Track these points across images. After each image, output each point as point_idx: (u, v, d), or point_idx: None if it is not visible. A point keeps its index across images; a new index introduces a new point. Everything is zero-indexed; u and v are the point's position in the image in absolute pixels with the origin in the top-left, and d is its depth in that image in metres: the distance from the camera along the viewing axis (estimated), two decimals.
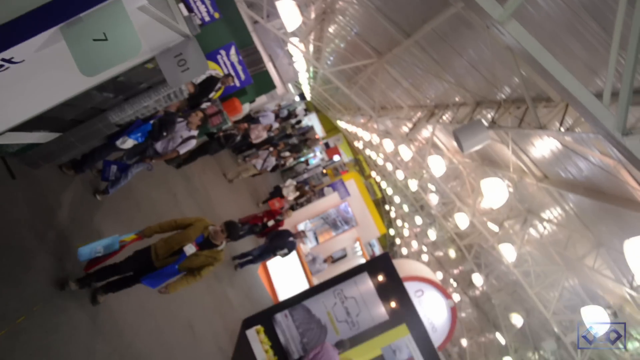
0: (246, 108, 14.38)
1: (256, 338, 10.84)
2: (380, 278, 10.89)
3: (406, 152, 18.26)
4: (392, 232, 52.66)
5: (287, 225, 14.80)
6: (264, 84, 12.44)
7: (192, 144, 8.07)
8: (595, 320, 11.23)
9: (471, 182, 16.24)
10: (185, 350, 8.24)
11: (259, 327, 10.97)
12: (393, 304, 10.79)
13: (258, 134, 15.85)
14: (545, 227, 13.92)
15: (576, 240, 12.08)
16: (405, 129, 19.31)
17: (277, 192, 17.33)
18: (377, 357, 10.73)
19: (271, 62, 15.82)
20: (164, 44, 4.63)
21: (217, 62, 11.45)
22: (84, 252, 5.88)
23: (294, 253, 14.86)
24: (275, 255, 12.11)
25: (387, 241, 50.34)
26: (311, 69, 28.16)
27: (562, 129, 6.79)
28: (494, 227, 16.80)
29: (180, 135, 7.87)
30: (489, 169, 13.72)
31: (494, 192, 11.06)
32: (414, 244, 42.63)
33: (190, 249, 5.97)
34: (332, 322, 10.90)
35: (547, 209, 13.11)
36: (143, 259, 6.13)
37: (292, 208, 19.14)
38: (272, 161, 15.98)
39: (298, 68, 22.07)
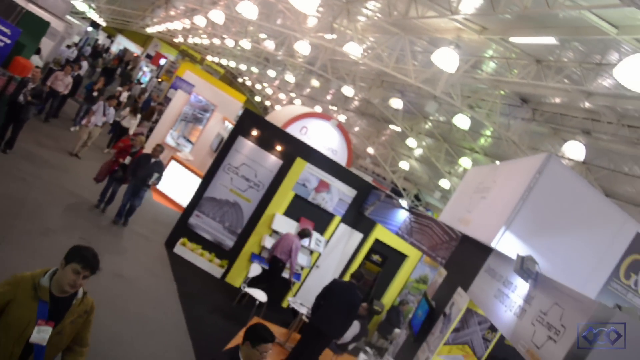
0: (37, 61, 13.16)
1: (185, 250, 10.98)
2: (255, 133, 11.03)
3: (217, 16, 17.69)
4: (258, 98, 52.51)
5: (155, 145, 14.38)
6: (36, 27, 11.33)
7: None
8: (446, 60, 12.07)
9: (286, 7, 16.15)
10: (128, 296, 8.25)
11: (182, 239, 11.06)
12: (279, 148, 11.07)
13: (64, 83, 14.68)
14: (367, 8, 14.30)
15: (396, 0, 12.53)
16: None
17: (116, 129, 16.27)
18: (294, 197, 11.20)
19: (30, 2, 14.28)
20: None
21: None
22: None
23: (172, 164, 14.67)
24: (149, 186, 10.77)
25: (258, 108, 50.33)
26: None
27: None
28: (330, 36, 17.09)
29: None
30: None
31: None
32: (282, 96, 42.93)
33: (42, 333, 3.57)
34: (239, 195, 11.12)
35: None
36: None
37: (151, 130, 18.48)
38: (112, 111, 14.58)
39: None
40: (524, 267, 4.64)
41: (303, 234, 10.51)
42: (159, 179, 10.74)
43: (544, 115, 15.81)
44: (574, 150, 13.86)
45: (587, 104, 13.34)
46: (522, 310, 4.63)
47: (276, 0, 15.36)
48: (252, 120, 11.39)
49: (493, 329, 6.50)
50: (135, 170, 10.57)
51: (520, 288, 4.93)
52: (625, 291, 6.06)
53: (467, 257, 7.29)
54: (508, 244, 5.28)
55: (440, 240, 8.54)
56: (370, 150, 36.60)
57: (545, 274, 4.67)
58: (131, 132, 15.72)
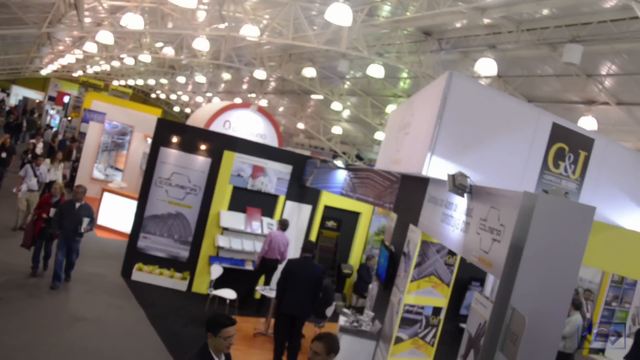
0: None
1: (143, 274, 10.80)
2: (175, 139, 10.84)
3: (106, 36, 17.12)
4: (177, 108, 51.58)
5: (88, 187, 13.76)
6: None
7: None
8: (339, 15, 12.13)
9: (171, 9, 15.82)
10: (97, 336, 8.05)
11: (136, 265, 10.86)
12: (203, 147, 10.92)
13: None
14: None
15: None
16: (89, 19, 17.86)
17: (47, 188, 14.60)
18: (233, 190, 11.11)
19: None
20: None
21: None
22: None
23: (105, 196, 14.29)
24: (81, 235, 9.46)
25: (179, 118, 49.41)
26: None
27: None
28: (223, 25, 16.87)
29: None
30: None
31: None
32: (200, 99, 42.35)
33: None
34: (179, 204, 10.95)
35: None
36: None
37: (75, 170, 17.89)
38: (44, 169, 13.06)
39: None
40: (457, 183, 4.76)
41: (284, 225, 10.50)
42: (91, 223, 9.48)
43: (449, 42, 16.17)
44: (486, 66, 14.23)
45: (485, 20, 13.70)
46: (466, 225, 4.77)
47: (157, 4, 14.96)
48: (169, 128, 11.19)
49: (452, 253, 6.69)
50: (60, 221, 9.30)
51: (460, 205, 5.07)
52: (559, 180, 6.32)
53: (409, 194, 7.45)
54: (438, 168, 5.40)
55: (383, 187, 8.67)
56: (301, 125, 36.67)
57: (480, 185, 4.81)
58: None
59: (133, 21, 13.82)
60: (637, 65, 12.94)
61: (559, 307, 3.36)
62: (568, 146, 6.26)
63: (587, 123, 14.66)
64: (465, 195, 4.84)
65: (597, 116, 15.11)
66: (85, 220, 9.31)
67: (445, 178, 4.97)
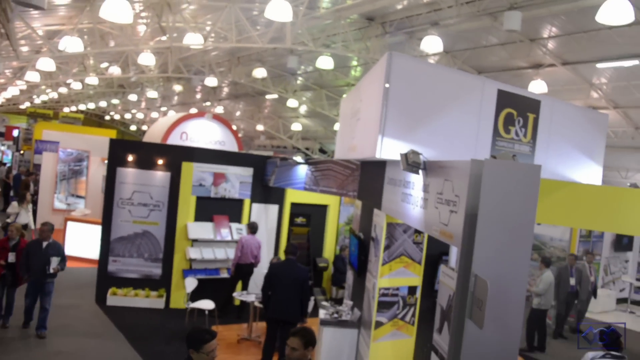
0: None
1: (118, 298, 10.63)
2: (130, 158, 10.67)
3: (47, 63, 16.73)
4: (133, 127, 50.87)
5: (50, 218, 13.39)
6: None
7: None
8: (279, 11, 12.10)
9: (110, 27, 15.58)
10: None
11: (110, 290, 10.69)
12: (160, 161, 10.78)
13: None
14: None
15: None
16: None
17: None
18: (197, 200, 11.01)
19: None
20: None
21: None
22: None
23: (69, 226, 14.01)
24: (54, 275, 8.74)
25: (138, 137, 48.72)
26: None
27: None
28: (164, 37, 16.69)
29: None
30: None
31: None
32: (155, 115, 41.85)
33: None
34: (144, 222, 10.78)
35: None
36: None
37: (35, 203, 17.47)
38: None
39: None
40: (410, 161, 4.79)
41: (253, 228, 10.48)
42: (62, 262, 8.69)
43: (392, 24, 16.29)
44: (432, 44, 14.35)
45: None
46: (424, 201, 4.81)
47: (94, 24, 14.68)
48: (123, 147, 11.00)
49: (418, 231, 6.74)
50: (27, 264, 8.59)
51: (417, 182, 5.11)
52: (512, 144, 6.45)
53: (370, 179, 7.48)
54: (391, 150, 5.44)
55: (344, 176, 8.69)
56: (260, 127, 36.55)
57: (432, 160, 4.85)
58: (33, 226, 13.66)
59: (72, 44, 13.53)
60: (576, 25, 13.26)
61: (519, 267, 3.42)
62: (516, 110, 6.38)
63: (537, 87, 14.97)
64: (420, 171, 4.87)
65: (545, 79, 15.44)
66: (54, 260, 8.58)
67: (399, 158, 5.00)
